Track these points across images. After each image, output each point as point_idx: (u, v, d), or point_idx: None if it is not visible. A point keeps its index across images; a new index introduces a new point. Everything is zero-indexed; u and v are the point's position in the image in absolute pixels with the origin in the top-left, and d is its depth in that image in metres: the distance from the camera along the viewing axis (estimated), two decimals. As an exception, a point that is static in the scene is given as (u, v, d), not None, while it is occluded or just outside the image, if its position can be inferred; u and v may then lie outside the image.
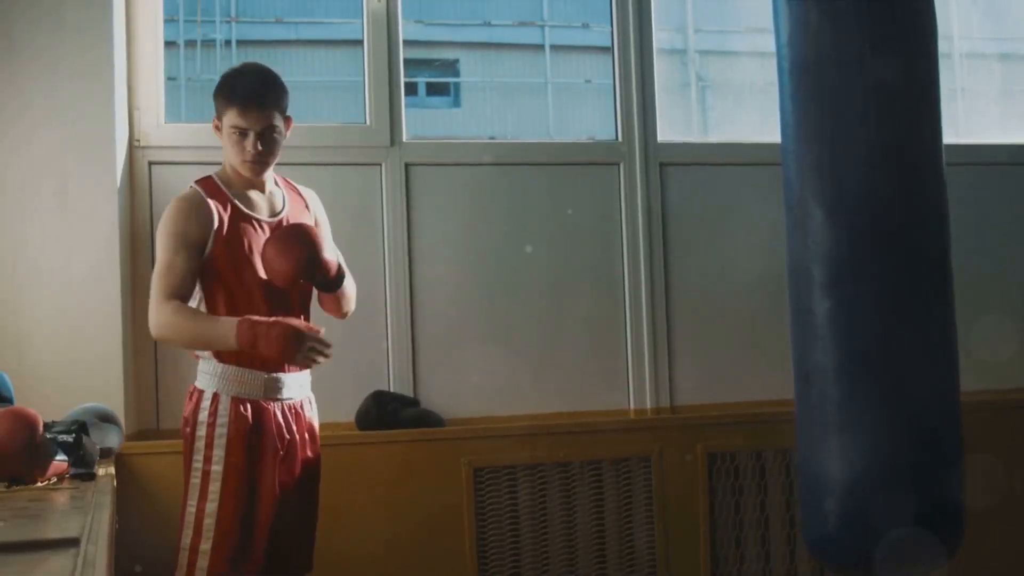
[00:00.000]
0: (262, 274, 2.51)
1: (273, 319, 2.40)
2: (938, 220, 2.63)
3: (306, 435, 2.62)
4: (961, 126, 4.12)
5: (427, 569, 3.25)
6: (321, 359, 2.45)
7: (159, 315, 2.44)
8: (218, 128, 2.56)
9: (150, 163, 3.34)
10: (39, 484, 2.18)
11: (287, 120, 2.59)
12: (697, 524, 3.47)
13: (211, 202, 2.50)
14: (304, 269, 2.50)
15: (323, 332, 2.46)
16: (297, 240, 2.51)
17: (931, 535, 2.60)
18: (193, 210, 2.49)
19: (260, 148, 2.51)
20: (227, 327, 2.39)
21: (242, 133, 2.50)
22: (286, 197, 2.67)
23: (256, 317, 2.41)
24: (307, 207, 2.73)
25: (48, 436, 2.30)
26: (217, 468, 2.43)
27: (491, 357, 3.56)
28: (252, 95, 2.50)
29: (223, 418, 2.46)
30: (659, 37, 3.81)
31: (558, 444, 3.39)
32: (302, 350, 2.39)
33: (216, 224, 2.49)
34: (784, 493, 3.53)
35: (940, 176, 2.64)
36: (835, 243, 2.59)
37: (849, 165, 2.58)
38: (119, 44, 3.25)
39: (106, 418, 2.80)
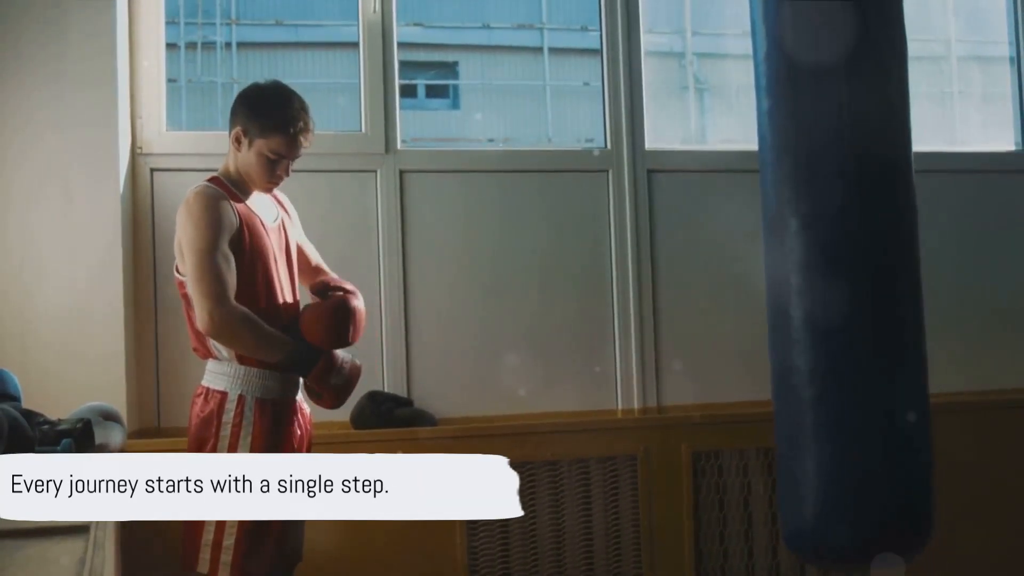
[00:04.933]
0: (272, 274, 2.57)
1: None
2: (908, 229, 2.68)
3: (308, 428, 2.70)
4: (957, 132, 4.14)
5: (418, 567, 3.29)
6: None
7: (225, 313, 2.41)
8: (240, 140, 2.55)
9: (152, 170, 3.37)
10: None
11: None
12: (682, 520, 3.52)
13: (231, 203, 2.52)
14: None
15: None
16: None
17: (901, 531, 2.68)
18: (221, 208, 2.48)
19: (289, 172, 2.60)
20: (282, 343, 2.51)
21: (279, 159, 2.55)
22: (272, 202, 2.71)
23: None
24: (287, 211, 2.77)
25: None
26: None
27: (482, 359, 3.60)
28: (304, 129, 2.55)
29: (248, 419, 2.49)
30: (656, 41, 3.81)
31: (547, 443, 3.44)
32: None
33: (237, 224, 2.51)
34: (766, 491, 3.58)
35: (910, 187, 2.68)
36: (809, 251, 2.65)
37: (822, 177, 2.64)
38: (122, 53, 3.29)
39: (110, 416, 2.80)
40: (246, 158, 2.56)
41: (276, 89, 2.61)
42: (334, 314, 2.59)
